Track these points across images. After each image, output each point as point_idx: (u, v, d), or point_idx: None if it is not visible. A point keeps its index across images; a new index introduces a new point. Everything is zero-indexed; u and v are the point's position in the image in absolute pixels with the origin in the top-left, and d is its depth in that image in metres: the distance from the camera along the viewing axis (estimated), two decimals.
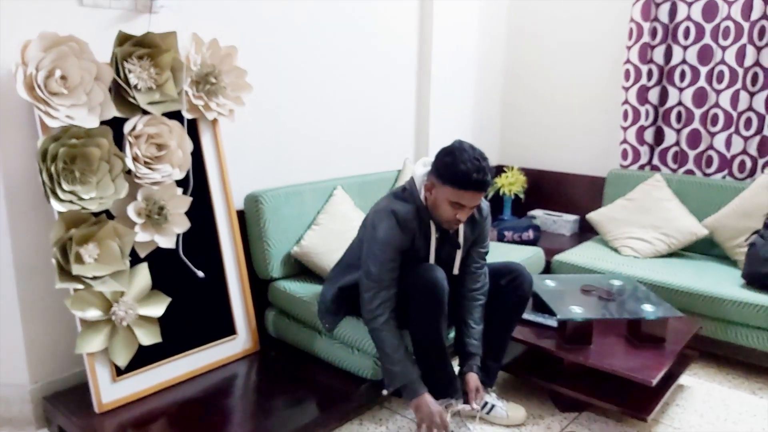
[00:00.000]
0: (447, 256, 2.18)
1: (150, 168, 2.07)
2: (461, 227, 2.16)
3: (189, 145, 2.18)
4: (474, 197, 1.98)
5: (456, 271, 2.20)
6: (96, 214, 1.97)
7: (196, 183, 2.25)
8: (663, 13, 3.26)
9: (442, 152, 2.02)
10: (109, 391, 2.01)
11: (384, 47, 3.19)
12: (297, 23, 2.73)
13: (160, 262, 2.15)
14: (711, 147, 3.24)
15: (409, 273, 2.06)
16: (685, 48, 3.24)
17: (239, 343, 2.39)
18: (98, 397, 1.98)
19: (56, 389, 2.14)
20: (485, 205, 2.25)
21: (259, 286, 2.58)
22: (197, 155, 2.27)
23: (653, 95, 3.37)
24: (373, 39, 3.12)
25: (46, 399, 2.09)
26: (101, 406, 1.99)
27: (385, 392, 2.11)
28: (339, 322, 2.28)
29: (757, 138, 3.09)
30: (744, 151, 3.12)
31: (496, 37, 3.92)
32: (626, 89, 3.40)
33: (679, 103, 3.32)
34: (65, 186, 1.87)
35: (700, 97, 3.23)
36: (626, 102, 3.41)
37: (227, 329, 2.36)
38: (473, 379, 2.14)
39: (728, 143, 3.16)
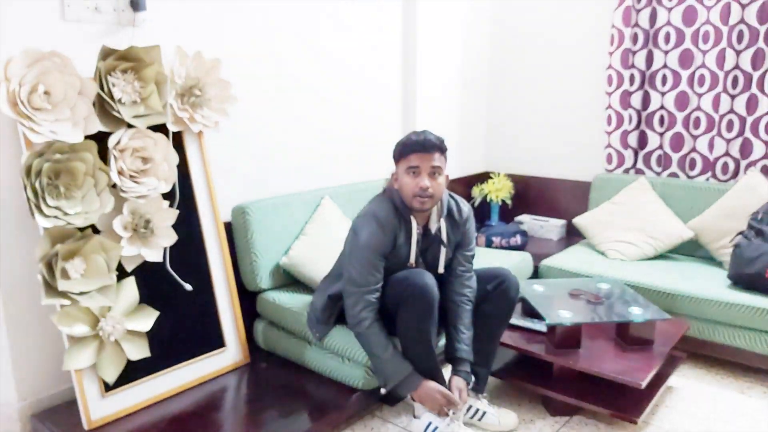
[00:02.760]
0: (432, 257, 2.20)
1: (135, 182, 2.06)
2: (443, 226, 2.18)
3: (174, 158, 2.18)
4: (424, 158, 2.08)
5: (441, 269, 2.21)
6: (82, 229, 1.95)
7: (182, 196, 2.24)
8: (643, 18, 3.31)
9: None
10: (98, 407, 1.99)
11: (369, 56, 3.21)
12: (282, 34, 2.74)
13: (148, 275, 2.13)
14: (694, 150, 3.28)
15: (397, 279, 2.07)
16: (666, 53, 3.29)
17: (229, 355, 2.38)
18: (87, 413, 1.96)
19: (44, 406, 2.11)
20: (466, 207, 2.28)
21: (248, 298, 2.57)
22: (183, 168, 2.27)
23: (636, 100, 3.41)
24: (358, 48, 3.13)
25: (35, 417, 2.07)
26: (90, 423, 1.97)
27: (383, 391, 2.13)
28: (329, 332, 2.28)
29: (739, 140, 3.14)
30: (726, 153, 3.17)
31: (481, 46, 3.95)
32: (609, 94, 3.44)
33: (662, 107, 3.36)
34: (50, 201, 1.86)
35: (681, 101, 3.27)
36: (609, 107, 3.45)
37: (216, 342, 2.35)
38: (456, 381, 2.15)
39: (711, 146, 3.20)
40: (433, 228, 2.18)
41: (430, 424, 2.12)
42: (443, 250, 2.20)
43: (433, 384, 2.08)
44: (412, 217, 2.13)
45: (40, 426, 2.04)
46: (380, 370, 2.09)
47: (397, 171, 2.16)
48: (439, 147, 2.09)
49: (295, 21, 2.79)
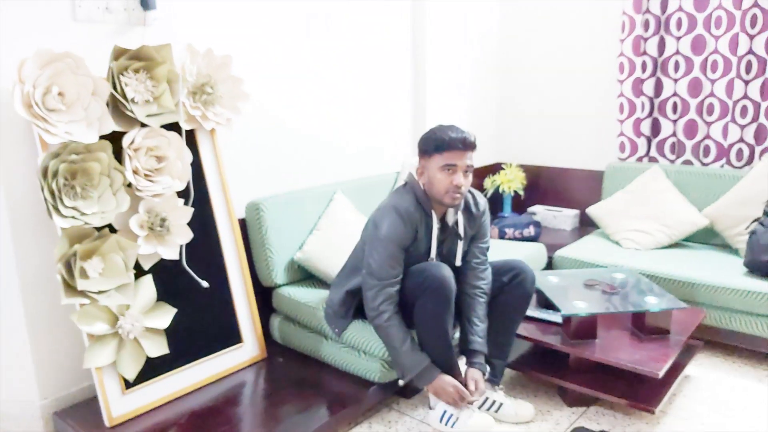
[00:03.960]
0: (448, 251, 2.21)
1: (150, 180, 2.08)
2: (460, 219, 2.18)
3: (188, 156, 2.19)
4: (461, 156, 2.06)
5: (458, 262, 2.22)
6: (99, 229, 1.97)
7: (196, 193, 2.25)
8: (655, 4, 3.27)
9: (421, 136, 2.14)
10: (119, 404, 2.02)
11: (379, 49, 3.20)
12: (293, 31, 2.74)
13: (164, 273, 2.15)
14: (708, 136, 3.26)
15: (415, 272, 2.08)
16: (678, 39, 3.25)
17: (246, 351, 2.40)
18: (108, 410, 1.99)
19: (66, 404, 2.14)
20: (482, 200, 2.28)
21: (263, 293, 2.59)
22: (197, 165, 2.28)
23: (648, 87, 3.38)
24: (367, 42, 3.13)
25: (56, 414, 2.10)
26: (111, 420, 1.99)
27: (401, 382, 2.14)
28: (348, 326, 2.29)
29: (754, 126, 3.10)
30: (741, 140, 3.14)
31: (491, 35, 3.93)
32: (621, 82, 3.41)
33: (675, 94, 3.33)
34: (67, 202, 1.88)
35: (694, 87, 3.24)
36: (622, 95, 3.43)
37: (233, 337, 2.37)
38: (472, 373, 2.16)
39: (725, 132, 3.17)
40: (450, 221, 2.18)
41: (445, 412, 2.13)
42: (460, 243, 2.21)
43: (448, 378, 2.09)
44: (432, 211, 2.14)
45: (62, 423, 2.06)
46: (398, 362, 2.10)
47: (425, 165, 2.12)
48: (474, 145, 2.09)
49: (306, 17, 2.79)
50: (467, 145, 2.07)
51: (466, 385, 2.12)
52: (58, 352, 2.12)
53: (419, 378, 2.08)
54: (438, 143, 2.06)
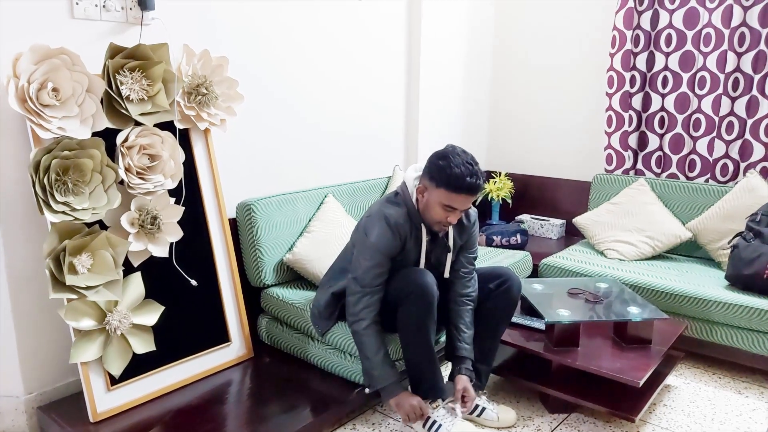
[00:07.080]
0: (437, 260, 2.23)
1: (142, 178, 2.09)
2: (450, 231, 2.20)
3: (181, 155, 2.21)
4: (466, 200, 2.03)
5: (447, 274, 2.24)
6: (89, 225, 1.98)
7: (188, 192, 2.27)
8: (645, 20, 3.33)
9: (436, 156, 2.06)
10: (104, 400, 2.02)
11: (373, 56, 3.24)
12: (288, 34, 2.77)
13: (154, 271, 2.16)
14: (693, 151, 3.31)
15: (398, 277, 2.10)
16: (667, 55, 3.31)
17: (233, 350, 2.41)
18: (93, 406, 1.99)
19: (51, 399, 2.14)
20: (473, 211, 2.30)
21: (252, 293, 2.60)
22: (189, 165, 2.30)
23: (636, 101, 3.43)
24: (362, 49, 3.16)
25: (41, 409, 2.10)
26: (96, 416, 2.00)
27: (367, 391, 2.16)
28: (331, 327, 2.31)
29: (739, 142, 3.16)
30: (726, 155, 3.19)
31: (483, 46, 3.97)
32: (610, 96, 3.46)
33: (662, 109, 3.38)
34: (58, 197, 1.88)
35: (682, 103, 3.30)
36: (610, 108, 3.47)
37: (221, 336, 2.38)
38: (462, 380, 2.18)
39: (710, 147, 3.23)
40: (440, 233, 2.20)
41: (428, 418, 2.15)
42: (449, 255, 2.23)
43: (409, 395, 2.12)
44: (422, 225, 2.15)
45: (46, 418, 2.07)
46: (368, 372, 2.12)
47: (428, 188, 2.05)
48: (483, 188, 2.05)
49: (301, 21, 2.81)
50: (476, 191, 2.03)
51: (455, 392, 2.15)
52: (43, 347, 2.13)
53: (384, 391, 2.11)
54: (450, 183, 1.98)
